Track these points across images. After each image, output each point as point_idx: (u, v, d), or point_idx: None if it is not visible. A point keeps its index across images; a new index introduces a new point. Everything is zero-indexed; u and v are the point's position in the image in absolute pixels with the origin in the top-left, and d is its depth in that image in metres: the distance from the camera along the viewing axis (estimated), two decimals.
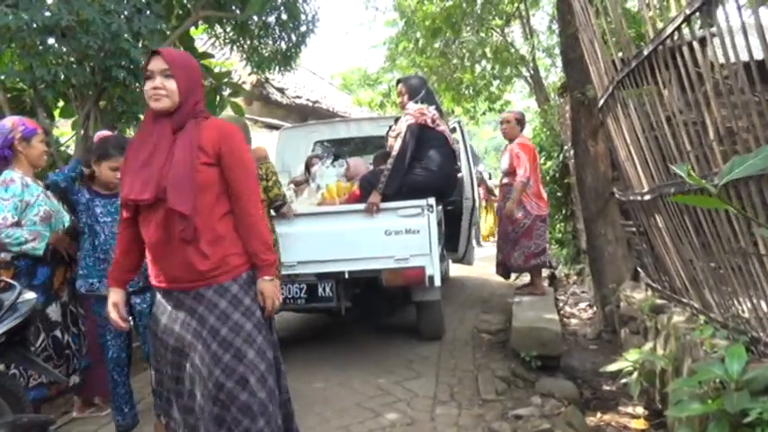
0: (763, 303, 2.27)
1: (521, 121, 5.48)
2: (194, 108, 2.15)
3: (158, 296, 2.27)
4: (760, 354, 2.32)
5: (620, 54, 3.19)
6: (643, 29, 2.85)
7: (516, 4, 9.73)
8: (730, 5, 1.97)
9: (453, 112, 12.36)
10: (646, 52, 2.64)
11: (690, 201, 2.60)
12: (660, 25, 2.54)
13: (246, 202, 2.17)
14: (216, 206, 2.14)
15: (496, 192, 9.20)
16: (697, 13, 2.11)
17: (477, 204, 5.83)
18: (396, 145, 4.30)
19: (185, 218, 2.06)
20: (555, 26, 6.89)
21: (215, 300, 2.13)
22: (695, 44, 2.20)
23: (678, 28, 2.26)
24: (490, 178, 13.91)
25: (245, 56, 6.30)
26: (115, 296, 2.28)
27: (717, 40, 2.08)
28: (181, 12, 5.45)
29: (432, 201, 4.15)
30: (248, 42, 6.15)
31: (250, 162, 2.25)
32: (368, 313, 5.47)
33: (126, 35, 4.16)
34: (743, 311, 2.49)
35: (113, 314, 2.26)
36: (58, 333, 3.19)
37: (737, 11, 1.89)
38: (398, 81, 4.89)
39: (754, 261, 2.23)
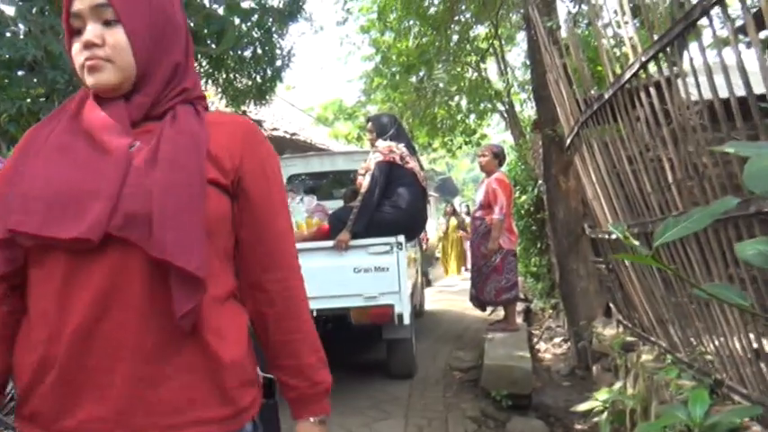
0: (725, 344, 2.27)
1: (497, 155, 5.51)
2: (175, 80, 1.05)
3: None
4: (724, 396, 2.31)
5: (585, 94, 3.24)
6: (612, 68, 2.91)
7: (491, 41, 9.92)
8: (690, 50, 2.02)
9: (431, 144, 12.46)
10: (606, 96, 2.69)
11: (628, 258, 2.64)
12: (619, 70, 2.59)
13: (288, 273, 1.11)
14: (223, 272, 1.06)
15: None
16: (652, 61, 2.16)
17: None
18: (364, 182, 4.30)
19: (197, 283, 0.94)
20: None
21: None
22: (651, 89, 2.24)
23: (635, 74, 2.31)
24: (468, 213, 14.04)
25: (220, 89, 6.31)
26: None
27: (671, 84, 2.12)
28: None
29: (401, 238, 4.13)
30: (224, 76, 6.16)
31: (286, 199, 1.17)
32: (337, 351, 5.36)
33: None
34: (707, 352, 2.49)
35: None
36: None
37: (689, 58, 1.94)
38: (368, 120, 4.92)
39: (714, 303, 2.24)
